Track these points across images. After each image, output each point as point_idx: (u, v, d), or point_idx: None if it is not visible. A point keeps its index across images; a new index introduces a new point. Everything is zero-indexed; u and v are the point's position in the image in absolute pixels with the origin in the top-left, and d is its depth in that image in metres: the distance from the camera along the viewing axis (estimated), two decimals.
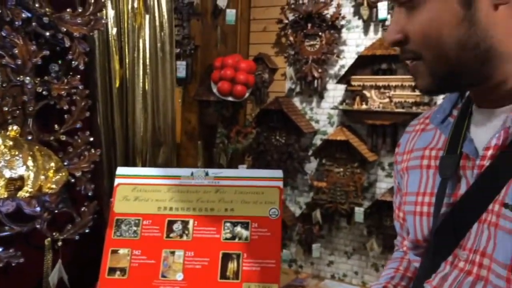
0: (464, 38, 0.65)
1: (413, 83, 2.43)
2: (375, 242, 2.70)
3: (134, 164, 1.86)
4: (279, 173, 1.45)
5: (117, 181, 1.39)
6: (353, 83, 2.60)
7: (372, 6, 2.56)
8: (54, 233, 1.68)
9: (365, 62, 2.56)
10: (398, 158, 0.93)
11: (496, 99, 0.70)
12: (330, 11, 2.68)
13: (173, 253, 1.27)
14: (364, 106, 2.58)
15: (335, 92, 2.82)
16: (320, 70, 2.75)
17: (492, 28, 0.64)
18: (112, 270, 1.22)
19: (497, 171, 0.67)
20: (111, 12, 1.70)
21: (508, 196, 0.64)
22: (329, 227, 2.89)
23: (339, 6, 2.67)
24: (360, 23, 2.69)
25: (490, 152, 0.68)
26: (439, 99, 2.50)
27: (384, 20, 2.54)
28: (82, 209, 1.72)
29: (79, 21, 1.42)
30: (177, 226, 1.34)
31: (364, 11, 2.59)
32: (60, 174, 1.50)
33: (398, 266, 0.98)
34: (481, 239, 0.67)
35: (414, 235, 0.81)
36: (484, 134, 0.70)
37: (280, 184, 1.42)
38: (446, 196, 0.74)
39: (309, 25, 2.72)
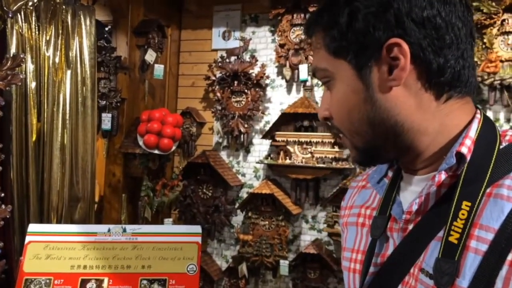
0: (371, 115, 0.68)
1: (332, 140, 2.59)
2: None
3: (48, 221, 1.78)
4: (197, 228, 1.46)
5: (28, 238, 1.33)
6: (277, 138, 2.72)
7: (294, 68, 2.74)
8: None
9: (288, 119, 2.69)
10: (341, 212, 0.96)
11: (417, 168, 0.74)
12: (255, 71, 2.83)
13: None
14: (288, 161, 2.69)
15: (260, 147, 2.92)
16: (246, 126, 2.85)
17: (393, 106, 0.68)
18: None
19: (418, 236, 0.69)
20: (30, 66, 1.69)
21: (425, 262, 0.66)
22: (255, 281, 2.89)
23: (263, 66, 2.82)
24: (283, 82, 2.86)
25: (411, 217, 0.71)
26: None
27: (305, 81, 2.72)
28: None
29: None
30: (90, 285, 1.30)
31: (287, 72, 2.76)
32: None
33: None
34: None
35: None
36: (409, 198, 0.73)
37: (199, 239, 1.43)
38: (375, 256, 0.76)
39: (236, 82, 2.84)
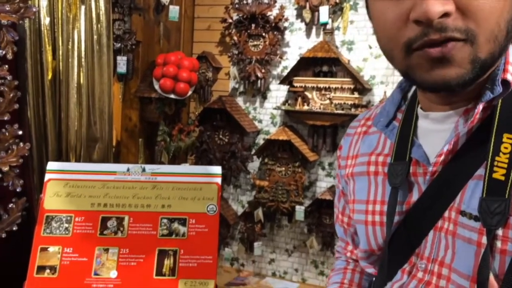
0: (510, 17, 0.56)
1: (352, 86, 2.51)
2: (315, 240, 2.76)
3: (67, 160, 1.78)
4: (217, 169, 1.44)
5: (47, 176, 1.33)
6: (295, 84, 2.65)
7: (314, 10, 2.63)
8: None
9: (307, 64, 2.61)
10: (341, 163, 0.89)
11: (450, 102, 0.65)
12: (273, 13, 2.72)
13: (107, 250, 1.23)
14: (305, 107, 2.64)
15: (278, 93, 2.86)
16: (263, 71, 2.78)
17: None
18: (41, 269, 1.17)
19: (450, 177, 0.64)
20: (44, 1, 1.62)
21: (464, 203, 0.61)
22: (271, 226, 2.92)
23: (282, 8, 2.71)
24: (302, 25, 2.75)
25: (442, 158, 0.65)
26: (376, 101, 2.61)
27: (325, 24, 2.61)
28: (10, 206, 1.63)
29: (7, 8, 1.35)
30: (111, 223, 1.31)
31: (306, 14, 2.65)
32: None
33: (342, 279, 0.93)
34: (439, 248, 0.65)
35: (368, 245, 0.78)
36: (434, 139, 0.67)
37: (219, 180, 1.42)
38: (398, 204, 0.70)
39: (253, 25, 2.74)
